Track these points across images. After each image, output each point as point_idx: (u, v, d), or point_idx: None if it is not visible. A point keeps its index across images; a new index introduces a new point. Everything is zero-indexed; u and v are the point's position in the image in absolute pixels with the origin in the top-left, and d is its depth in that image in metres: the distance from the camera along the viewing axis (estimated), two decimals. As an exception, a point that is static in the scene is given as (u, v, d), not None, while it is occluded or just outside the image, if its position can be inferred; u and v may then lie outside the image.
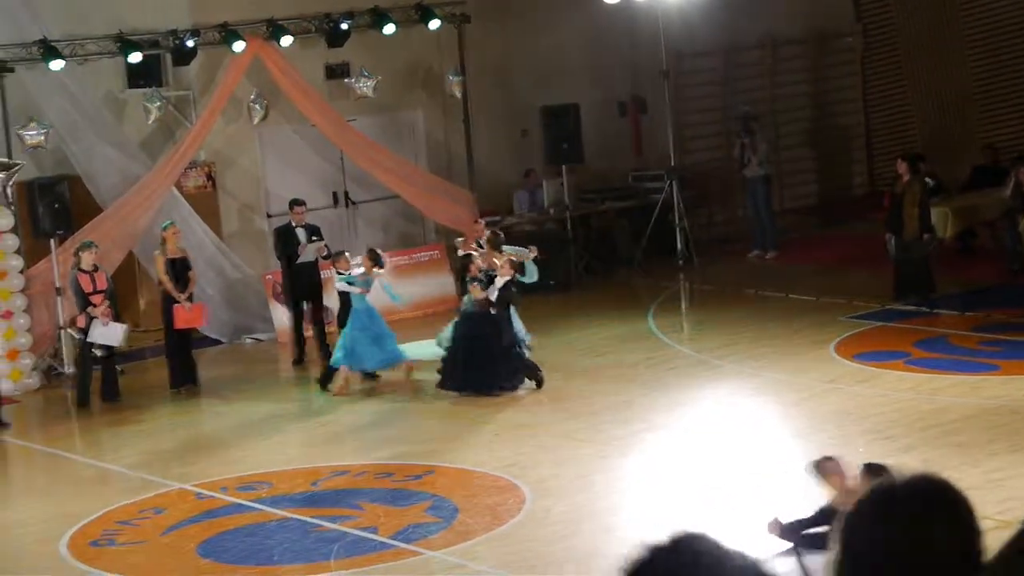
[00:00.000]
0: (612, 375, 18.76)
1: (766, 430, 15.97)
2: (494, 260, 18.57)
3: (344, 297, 19.40)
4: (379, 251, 19.60)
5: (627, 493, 14.29)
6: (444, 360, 18.37)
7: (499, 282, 18.23)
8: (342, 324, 19.23)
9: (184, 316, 19.55)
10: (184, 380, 19.63)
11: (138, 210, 21.81)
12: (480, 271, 18.44)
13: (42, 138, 21.42)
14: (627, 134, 28.06)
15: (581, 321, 22.04)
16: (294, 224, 21.17)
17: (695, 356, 19.46)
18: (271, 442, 17.08)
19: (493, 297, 18.17)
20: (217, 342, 22.11)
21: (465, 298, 18.84)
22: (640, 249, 25.76)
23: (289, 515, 14.33)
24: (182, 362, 19.67)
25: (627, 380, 18.41)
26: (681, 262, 25.60)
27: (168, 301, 19.63)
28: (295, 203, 21.38)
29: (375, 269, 19.15)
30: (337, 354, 18.81)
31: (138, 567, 13.36)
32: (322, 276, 21.01)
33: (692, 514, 13.20)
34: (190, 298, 19.74)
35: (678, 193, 25.58)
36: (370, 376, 19.13)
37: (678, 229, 25.65)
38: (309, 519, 14.17)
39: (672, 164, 25.97)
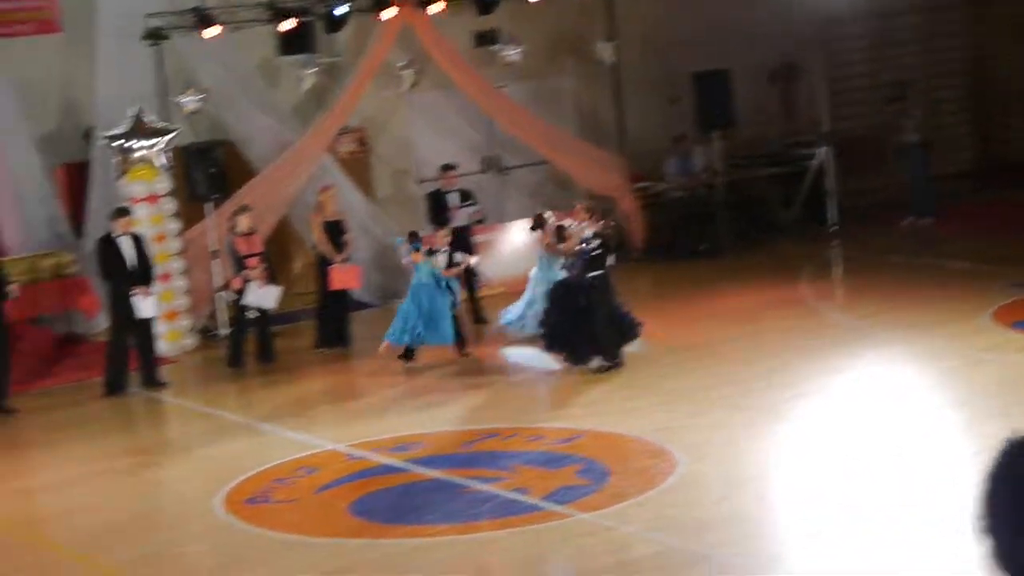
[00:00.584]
0: (764, 341, 18.64)
1: (919, 398, 15.77)
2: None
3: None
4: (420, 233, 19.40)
5: (778, 459, 14.19)
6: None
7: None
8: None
9: (340, 277, 19.79)
10: (335, 342, 19.83)
11: (291, 175, 22.04)
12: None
13: (198, 104, 21.72)
14: (779, 100, 27.82)
15: (732, 287, 21.92)
16: (444, 189, 21.26)
17: (847, 323, 19.27)
18: (423, 403, 17.20)
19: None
20: (369, 305, 22.29)
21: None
22: (792, 215, 25.55)
23: (440, 476, 14.42)
24: (336, 324, 19.88)
25: (779, 346, 18.28)
26: (833, 228, 25.34)
27: (324, 263, 19.86)
28: (446, 168, 21.49)
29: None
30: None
31: (292, 524, 13.50)
32: (474, 240, 21.11)
33: (842, 481, 13.10)
34: (346, 261, 19.94)
35: (831, 159, 25.32)
36: (407, 354, 18.92)
37: (830, 195, 25.39)
38: (460, 480, 14.24)
39: (825, 130, 25.70)
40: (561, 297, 17.84)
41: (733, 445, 14.58)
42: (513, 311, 19.31)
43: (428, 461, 14.92)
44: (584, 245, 17.74)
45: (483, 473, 14.37)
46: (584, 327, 17.59)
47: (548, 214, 19.27)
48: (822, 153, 25.35)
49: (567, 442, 15.20)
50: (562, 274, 18.19)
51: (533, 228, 19.30)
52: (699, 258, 24.04)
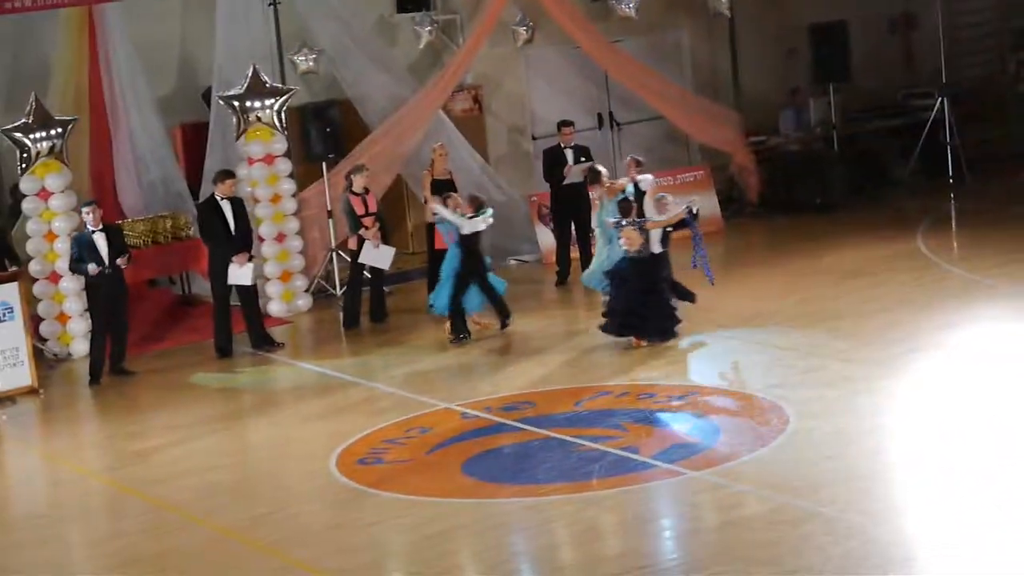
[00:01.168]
0: (880, 295, 18.46)
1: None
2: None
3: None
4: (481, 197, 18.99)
5: (892, 415, 14.05)
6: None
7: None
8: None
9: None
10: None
11: (406, 133, 22.09)
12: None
13: (313, 64, 21.83)
14: (897, 51, 27.46)
15: (848, 241, 21.72)
16: (562, 145, 21.23)
17: (966, 277, 19.02)
18: (535, 362, 17.21)
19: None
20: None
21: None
22: (909, 168, 25.25)
23: (552, 435, 14.44)
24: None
25: (895, 300, 18.10)
26: (952, 181, 25.01)
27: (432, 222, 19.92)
28: (563, 124, 21.44)
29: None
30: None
31: (404, 485, 13.57)
32: (591, 197, 21.05)
33: (952, 436, 12.97)
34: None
35: (949, 110, 24.98)
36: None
37: (949, 147, 25.06)
38: (572, 439, 14.26)
39: (944, 81, 25.34)
40: (639, 274, 17.31)
41: (846, 401, 14.47)
42: (593, 276, 18.80)
43: (539, 420, 14.94)
44: (688, 211, 17.56)
45: (594, 432, 14.38)
46: (654, 301, 17.36)
47: (601, 167, 19.12)
48: (940, 104, 24.99)
49: (679, 400, 15.16)
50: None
51: (590, 183, 19.16)
52: (814, 212, 23.81)
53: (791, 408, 14.40)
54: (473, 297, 18.34)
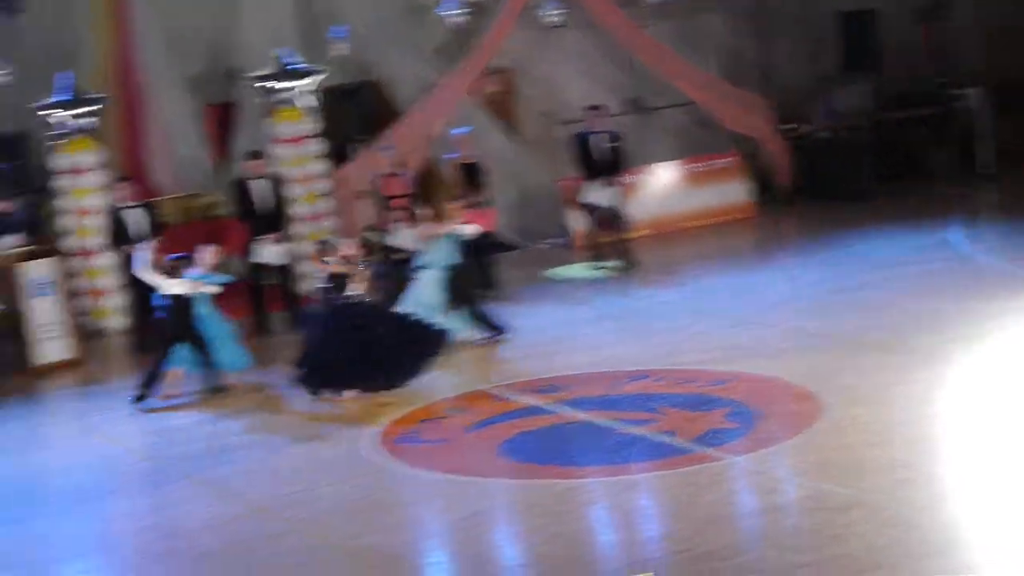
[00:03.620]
0: (915, 285, 18.40)
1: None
2: None
3: None
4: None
5: (930, 404, 13.99)
6: None
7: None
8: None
9: (473, 220, 19.79)
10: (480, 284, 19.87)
11: (435, 115, 22.06)
12: None
13: (345, 45, 21.81)
14: (927, 39, 27.34)
15: (879, 230, 21.64)
16: (591, 130, 21.17)
17: (1002, 267, 18.95)
18: (570, 345, 17.18)
19: None
20: (513, 247, 22.31)
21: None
22: (941, 158, 25.16)
23: (588, 418, 14.40)
24: (480, 268, 19.88)
25: (930, 290, 18.03)
26: (986, 172, 24.91)
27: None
28: (593, 108, 21.39)
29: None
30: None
31: (441, 465, 13.57)
32: (621, 182, 21.04)
33: (994, 426, 12.91)
34: (481, 204, 19.95)
35: (983, 100, 24.86)
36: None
37: (983, 138, 24.95)
38: (608, 422, 14.22)
39: (977, 70, 25.23)
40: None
41: (885, 389, 14.40)
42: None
43: (577, 402, 14.91)
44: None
45: (632, 415, 14.33)
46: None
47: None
48: (974, 94, 24.88)
49: (717, 385, 15.11)
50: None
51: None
52: (845, 200, 23.74)
53: (831, 395, 14.34)
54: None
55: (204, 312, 16.12)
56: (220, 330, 16.26)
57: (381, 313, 16.08)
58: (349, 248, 16.01)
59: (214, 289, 16.17)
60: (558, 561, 11.34)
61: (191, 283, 15.89)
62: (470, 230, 17.71)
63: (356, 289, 15.68)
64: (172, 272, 15.89)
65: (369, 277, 15.89)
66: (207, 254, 16.20)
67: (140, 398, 16.01)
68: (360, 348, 15.63)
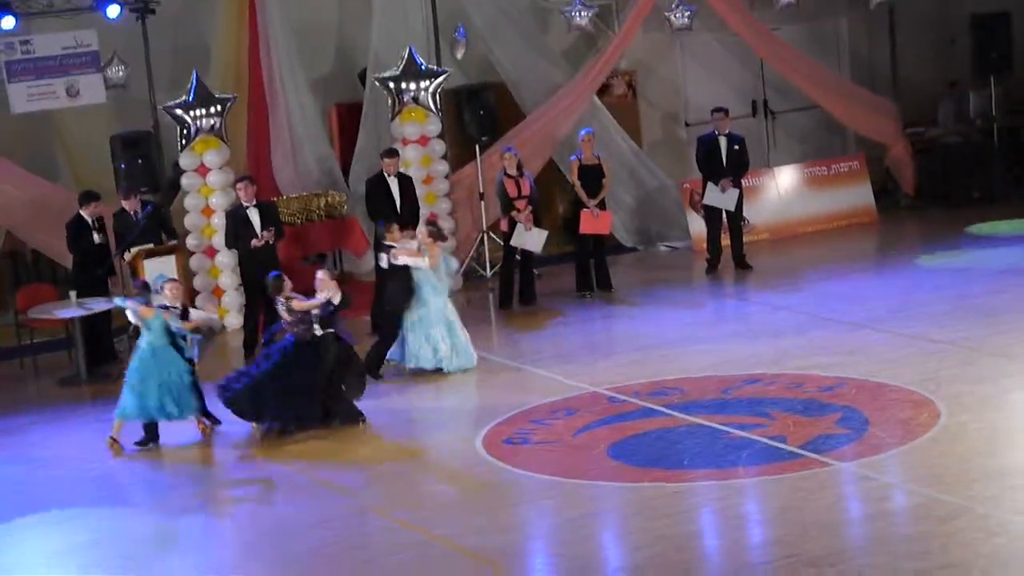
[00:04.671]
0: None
1: None
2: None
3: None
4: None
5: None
6: None
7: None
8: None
9: (590, 222, 19.83)
10: (589, 286, 19.88)
11: (559, 117, 22.10)
12: None
13: (470, 46, 21.91)
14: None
15: (1007, 237, 21.34)
16: (716, 132, 21.09)
17: None
18: (683, 348, 17.13)
19: None
20: (632, 249, 22.29)
21: None
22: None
23: (699, 421, 14.38)
24: (588, 268, 19.92)
25: (1056, 295, 17.83)
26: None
27: (578, 206, 19.95)
28: (717, 111, 21.31)
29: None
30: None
31: (550, 466, 13.61)
32: (743, 185, 20.95)
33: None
34: (601, 205, 19.96)
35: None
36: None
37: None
38: (719, 426, 14.20)
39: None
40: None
41: (1002, 396, 14.26)
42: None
43: (687, 406, 14.89)
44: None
45: (742, 419, 14.30)
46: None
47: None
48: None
49: (828, 390, 15.02)
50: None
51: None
52: (973, 205, 23.43)
53: (943, 402, 14.21)
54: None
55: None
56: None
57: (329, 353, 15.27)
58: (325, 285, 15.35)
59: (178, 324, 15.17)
60: (665, 564, 11.36)
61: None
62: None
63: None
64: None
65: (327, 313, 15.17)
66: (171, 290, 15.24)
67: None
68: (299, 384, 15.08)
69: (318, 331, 15.22)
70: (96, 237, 18.25)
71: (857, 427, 13.85)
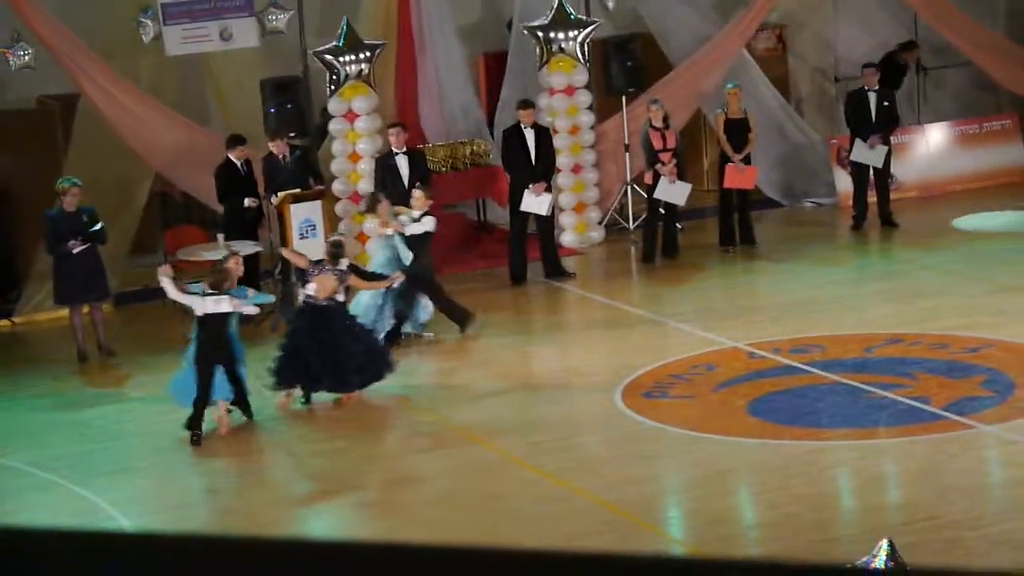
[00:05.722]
0: None
1: None
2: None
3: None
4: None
5: None
6: None
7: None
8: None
9: (735, 176, 19.70)
10: (732, 240, 19.76)
11: (707, 70, 21.94)
12: None
13: (616, -2, 21.83)
14: None
15: None
16: (866, 88, 20.85)
17: None
18: (826, 306, 16.99)
19: None
20: (778, 204, 22.13)
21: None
22: None
23: (840, 380, 14.28)
24: (732, 223, 19.79)
25: None
26: None
27: (724, 160, 19.84)
28: (868, 67, 21.05)
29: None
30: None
31: (688, 420, 13.60)
32: (891, 142, 20.70)
33: None
34: (747, 159, 19.83)
35: None
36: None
37: None
38: (860, 385, 14.09)
39: None
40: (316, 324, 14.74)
41: None
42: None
43: (828, 364, 14.78)
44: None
45: (884, 379, 14.18)
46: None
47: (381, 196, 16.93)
48: None
49: (973, 352, 14.84)
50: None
51: (367, 210, 17.39)
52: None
53: (1092, 368, 14.01)
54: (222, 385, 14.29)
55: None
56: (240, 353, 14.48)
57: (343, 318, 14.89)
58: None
59: (252, 310, 14.62)
60: (800, 524, 11.33)
61: (231, 301, 14.01)
62: (421, 226, 16.38)
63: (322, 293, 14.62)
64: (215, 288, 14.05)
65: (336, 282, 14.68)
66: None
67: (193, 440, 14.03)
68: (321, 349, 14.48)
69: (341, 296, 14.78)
70: (242, 178, 18.47)
71: (1002, 390, 13.68)
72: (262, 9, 20.22)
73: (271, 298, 15.73)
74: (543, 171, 18.83)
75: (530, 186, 18.65)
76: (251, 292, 14.85)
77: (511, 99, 21.00)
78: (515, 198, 18.88)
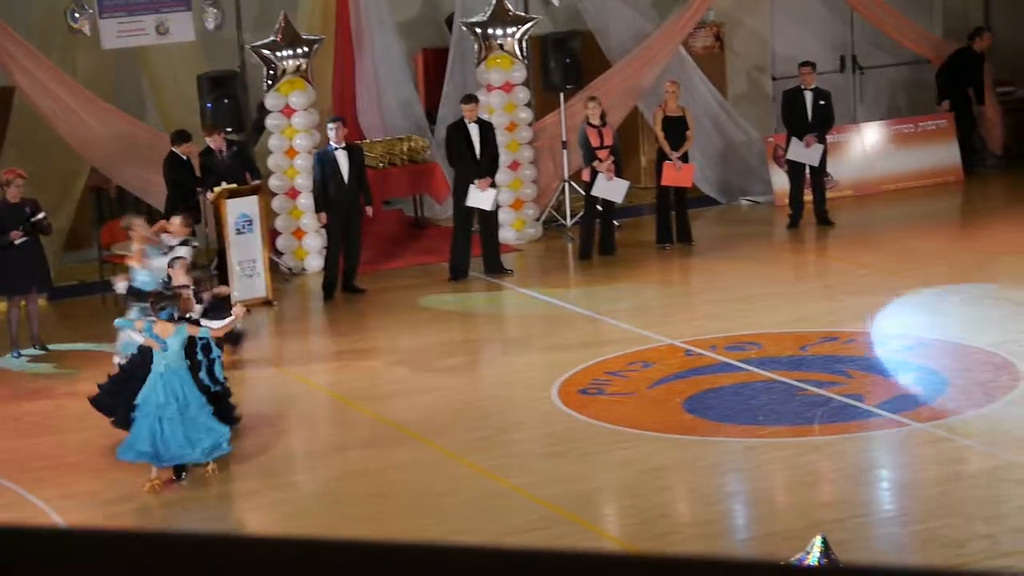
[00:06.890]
0: None
1: None
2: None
3: None
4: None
5: None
6: None
7: None
8: None
9: (672, 174, 19.75)
10: (669, 238, 19.81)
11: (644, 67, 21.99)
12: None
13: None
14: None
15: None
16: (802, 87, 20.95)
17: None
18: (762, 304, 17.08)
19: None
20: (714, 202, 22.20)
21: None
22: None
23: (776, 377, 14.35)
24: (672, 220, 19.85)
25: None
26: None
27: (661, 158, 19.89)
28: (804, 65, 21.16)
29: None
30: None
31: (625, 418, 13.62)
32: (827, 141, 20.81)
33: None
34: (684, 157, 19.89)
35: None
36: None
37: None
38: (795, 382, 14.16)
39: None
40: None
41: (1081, 362, 14.14)
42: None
43: (764, 362, 14.85)
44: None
45: (819, 377, 14.26)
46: None
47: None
48: None
49: (908, 350, 14.94)
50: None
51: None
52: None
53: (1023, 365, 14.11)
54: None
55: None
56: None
57: None
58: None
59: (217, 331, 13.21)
60: (736, 520, 11.38)
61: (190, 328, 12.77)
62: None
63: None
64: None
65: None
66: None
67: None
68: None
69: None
70: (194, 172, 18.41)
71: (936, 387, 13.78)
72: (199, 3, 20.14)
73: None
74: (488, 166, 18.83)
75: (475, 181, 18.65)
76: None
77: (453, 95, 20.99)
78: (460, 193, 18.87)
